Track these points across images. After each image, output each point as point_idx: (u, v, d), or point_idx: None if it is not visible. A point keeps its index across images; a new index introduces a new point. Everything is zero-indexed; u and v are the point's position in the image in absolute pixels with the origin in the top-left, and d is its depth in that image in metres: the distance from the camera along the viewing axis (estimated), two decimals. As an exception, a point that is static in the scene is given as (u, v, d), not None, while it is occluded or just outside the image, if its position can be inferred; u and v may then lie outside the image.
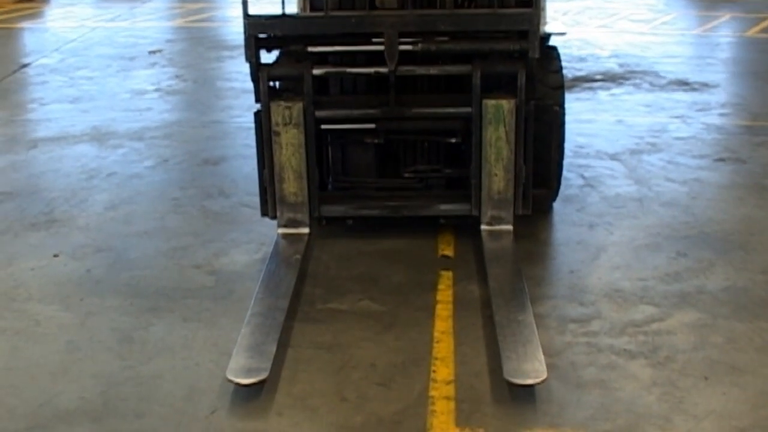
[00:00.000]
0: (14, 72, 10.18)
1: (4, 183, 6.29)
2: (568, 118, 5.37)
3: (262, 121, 4.86)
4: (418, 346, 4.04)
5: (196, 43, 11.92)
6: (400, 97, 4.92)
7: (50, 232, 5.39)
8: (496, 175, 4.89)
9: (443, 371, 3.82)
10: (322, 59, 4.98)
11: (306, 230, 4.97)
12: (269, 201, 4.98)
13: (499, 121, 4.79)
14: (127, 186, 6.19)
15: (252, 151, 5.26)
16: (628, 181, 6.13)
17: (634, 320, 4.24)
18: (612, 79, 9.29)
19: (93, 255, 5.06)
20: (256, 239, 5.20)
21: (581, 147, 6.84)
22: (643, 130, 7.36)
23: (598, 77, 9.36)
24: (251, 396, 3.63)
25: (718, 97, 8.49)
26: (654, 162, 6.52)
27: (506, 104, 4.77)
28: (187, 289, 4.63)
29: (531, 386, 3.59)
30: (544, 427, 3.44)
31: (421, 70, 4.90)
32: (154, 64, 10.46)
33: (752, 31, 12.22)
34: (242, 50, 4.80)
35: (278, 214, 4.99)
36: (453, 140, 5.09)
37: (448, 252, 5.03)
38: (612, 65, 9.98)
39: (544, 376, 3.58)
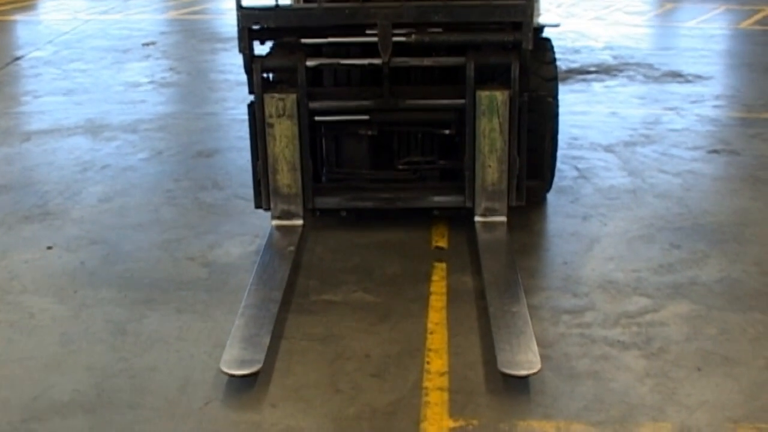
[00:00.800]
0: (7, 65, 10.15)
1: (-3, 175, 6.28)
2: (562, 110, 5.37)
3: (255, 112, 4.86)
4: (412, 337, 4.04)
5: (189, 35, 11.90)
6: (394, 89, 4.91)
7: (44, 225, 5.38)
8: (489, 166, 4.89)
9: (437, 362, 3.83)
10: (315, 51, 4.97)
11: (300, 222, 4.97)
12: (263, 193, 4.98)
13: (492, 112, 4.79)
14: (121, 178, 6.18)
15: (245, 143, 5.26)
16: (621, 172, 6.14)
17: (627, 311, 4.25)
18: (606, 70, 9.29)
19: (87, 247, 5.05)
20: (249, 231, 5.20)
21: (575, 138, 6.84)
22: (637, 121, 7.36)
23: (592, 69, 9.36)
24: (245, 387, 3.63)
25: (712, 89, 8.50)
26: (648, 154, 6.53)
27: (500, 95, 4.77)
28: (181, 281, 4.63)
29: (525, 377, 3.60)
30: (538, 418, 3.45)
31: (414, 62, 4.90)
32: (147, 57, 10.44)
33: (746, 23, 12.22)
34: (235, 42, 4.79)
35: (272, 205, 4.98)
36: (446, 132, 5.09)
37: (442, 243, 5.03)
38: (606, 57, 9.98)
39: (539, 367, 3.59)
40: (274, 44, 5.21)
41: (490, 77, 4.93)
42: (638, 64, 9.55)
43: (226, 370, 3.62)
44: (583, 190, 5.81)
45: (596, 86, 8.66)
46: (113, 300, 4.43)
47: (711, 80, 8.84)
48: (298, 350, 3.94)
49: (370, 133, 5.10)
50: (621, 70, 9.29)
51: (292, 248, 4.71)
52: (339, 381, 3.70)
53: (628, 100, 8.12)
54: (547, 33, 5.50)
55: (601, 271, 4.67)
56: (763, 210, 5.48)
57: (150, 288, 4.55)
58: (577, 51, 10.27)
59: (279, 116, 4.82)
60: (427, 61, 4.92)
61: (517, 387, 3.60)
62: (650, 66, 9.46)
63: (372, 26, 4.72)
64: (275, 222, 4.98)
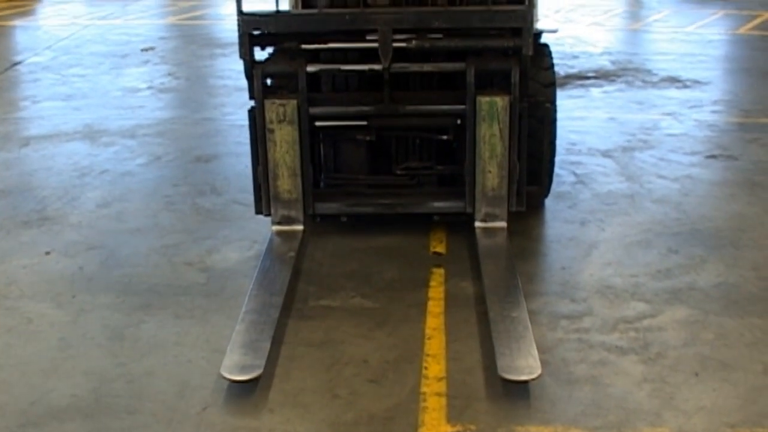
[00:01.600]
0: (6, 70, 10.16)
1: (-4, 180, 6.29)
2: (560, 115, 5.38)
3: (256, 118, 4.86)
4: (410, 342, 4.04)
5: (188, 40, 11.91)
6: (394, 95, 4.92)
7: (42, 230, 5.38)
8: (490, 172, 4.89)
9: (435, 368, 3.83)
10: (315, 56, 4.98)
11: (300, 227, 4.97)
12: (263, 198, 4.98)
13: (493, 117, 4.80)
14: (119, 183, 6.19)
15: (244, 148, 5.27)
16: (619, 178, 6.15)
17: (625, 317, 4.25)
18: (604, 76, 9.31)
19: (85, 252, 5.06)
20: (248, 236, 5.20)
21: (573, 144, 6.85)
22: (635, 127, 7.37)
23: (591, 74, 9.37)
24: (243, 393, 3.63)
25: (710, 94, 8.51)
26: (646, 159, 6.54)
27: (500, 101, 4.78)
28: (179, 286, 4.63)
29: (525, 382, 3.60)
30: (536, 423, 3.45)
31: (414, 67, 4.91)
32: (146, 62, 10.45)
33: (745, 29, 12.24)
34: (234, 48, 4.80)
35: (272, 211, 4.99)
36: (445, 137, 5.09)
37: (440, 249, 5.03)
38: (604, 62, 9.99)
39: (539, 372, 3.59)
40: (274, 50, 5.22)
41: (489, 83, 4.94)
42: (636, 70, 9.57)
43: (227, 375, 3.61)
44: (581, 196, 5.81)
45: (594, 91, 8.67)
46: (111, 305, 4.43)
47: (709, 85, 8.86)
48: (296, 356, 3.94)
49: (368, 138, 5.10)
50: (619, 76, 9.30)
51: (292, 254, 4.70)
52: (337, 386, 3.70)
53: (627, 106, 8.13)
54: (545, 39, 5.51)
55: (599, 277, 4.68)
56: (761, 215, 5.49)
57: (148, 293, 4.55)
58: (575, 56, 10.29)
59: (280, 122, 4.82)
60: (427, 67, 4.93)
61: (515, 392, 3.60)
62: (648, 71, 9.48)
63: (372, 32, 4.73)
64: (275, 227, 4.99)
